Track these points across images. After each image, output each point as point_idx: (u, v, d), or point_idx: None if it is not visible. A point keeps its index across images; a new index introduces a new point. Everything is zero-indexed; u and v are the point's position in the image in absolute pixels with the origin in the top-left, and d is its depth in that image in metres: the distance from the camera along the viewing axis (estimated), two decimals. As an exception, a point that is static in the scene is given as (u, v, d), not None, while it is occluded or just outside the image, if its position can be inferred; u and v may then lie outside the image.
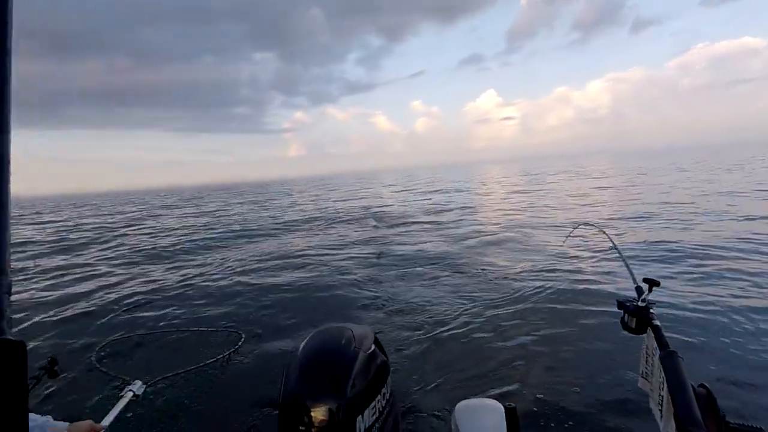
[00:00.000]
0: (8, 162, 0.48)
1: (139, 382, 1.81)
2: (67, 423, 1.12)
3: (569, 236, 3.67)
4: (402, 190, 29.17)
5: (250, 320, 4.69)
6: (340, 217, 14.51)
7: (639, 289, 1.40)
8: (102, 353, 3.76)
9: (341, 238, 10.18)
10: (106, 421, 1.50)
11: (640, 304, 1.25)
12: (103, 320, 5.11)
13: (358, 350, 1.37)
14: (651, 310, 1.22)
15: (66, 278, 7.85)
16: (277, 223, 14.21)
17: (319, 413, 1.20)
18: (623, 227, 8.83)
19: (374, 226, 11.78)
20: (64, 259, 9.95)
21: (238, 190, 62.06)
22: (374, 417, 1.35)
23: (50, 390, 3.32)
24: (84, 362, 3.71)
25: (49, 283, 7.55)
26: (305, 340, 1.44)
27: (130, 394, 1.73)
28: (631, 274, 1.56)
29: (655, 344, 1.14)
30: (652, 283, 1.26)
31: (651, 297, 1.28)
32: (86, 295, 6.42)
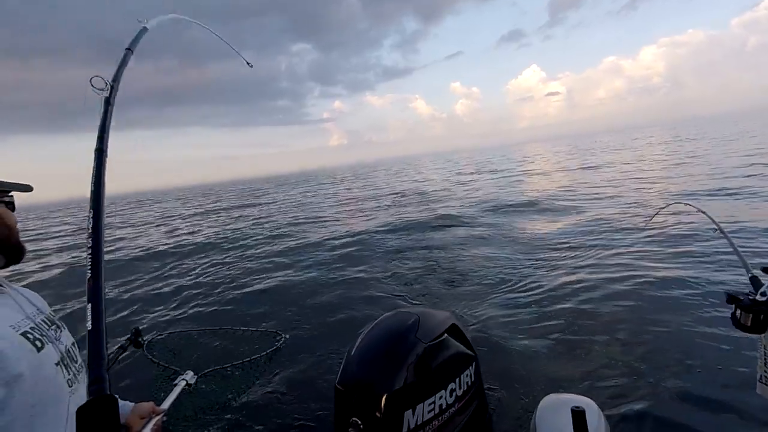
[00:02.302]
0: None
1: (191, 373, 1.76)
2: (132, 403, 1.19)
3: (657, 214, 3.24)
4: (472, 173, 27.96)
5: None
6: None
7: (755, 280, 1.17)
8: (152, 346, 3.83)
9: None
10: (165, 405, 1.47)
11: (759, 298, 1.02)
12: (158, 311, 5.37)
13: (418, 340, 1.26)
14: None
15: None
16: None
17: (367, 401, 1.14)
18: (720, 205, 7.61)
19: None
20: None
21: (293, 180, 63.83)
22: (431, 414, 1.20)
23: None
24: (136, 351, 3.82)
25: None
26: (372, 324, 1.37)
27: (183, 383, 1.68)
28: (743, 261, 1.33)
29: None
30: None
31: None
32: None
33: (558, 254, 5.97)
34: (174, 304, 5.80)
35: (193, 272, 7.65)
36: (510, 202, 10.71)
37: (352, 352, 1.27)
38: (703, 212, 1.87)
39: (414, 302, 4.65)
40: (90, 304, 0.65)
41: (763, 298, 1.01)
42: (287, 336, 3.84)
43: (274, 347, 3.61)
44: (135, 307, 5.97)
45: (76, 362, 1.10)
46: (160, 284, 7.17)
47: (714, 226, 1.67)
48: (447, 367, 1.29)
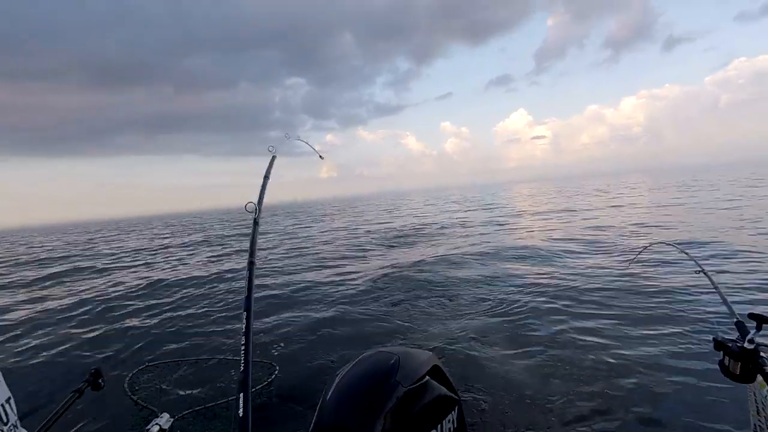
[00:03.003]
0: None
1: (166, 416, 1.62)
2: None
3: (638, 256, 3.30)
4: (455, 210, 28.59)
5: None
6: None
7: (741, 326, 1.15)
8: (135, 378, 3.67)
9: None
10: None
11: (747, 345, 1.00)
12: (146, 340, 5.15)
13: (397, 384, 1.16)
14: (762, 354, 0.99)
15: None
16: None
17: None
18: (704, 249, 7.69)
19: None
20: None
21: (283, 211, 63.67)
22: None
23: (78, 410, 3.25)
24: (117, 386, 3.63)
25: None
26: (350, 365, 1.29)
27: (156, 428, 1.54)
28: (728, 305, 1.35)
29: (767, 393, 0.97)
30: (762, 320, 1.01)
31: (760, 337, 1.02)
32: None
33: (543, 290, 6.00)
34: (166, 332, 5.63)
35: (191, 300, 7.49)
36: (503, 246, 10.84)
37: (328, 397, 1.18)
38: (686, 253, 1.86)
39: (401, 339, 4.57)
40: (241, 394, 0.79)
41: (751, 346, 1.00)
42: (278, 369, 3.74)
43: (264, 383, 3.48)
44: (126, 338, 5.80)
45: (6, 423, 0.99)
46: (151, 312, 6.99)
47: (697, 268, 1.66)
48: (428, 412, 1.21)
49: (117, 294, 8.41)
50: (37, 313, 7.26)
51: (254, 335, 3.82)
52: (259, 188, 1.33)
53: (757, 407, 1.06)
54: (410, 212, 27.99)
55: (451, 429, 1.27)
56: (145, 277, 10.04)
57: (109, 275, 11.05)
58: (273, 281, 8.32)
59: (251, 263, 1.07)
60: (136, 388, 3.49)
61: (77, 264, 14.02)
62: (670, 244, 2.33)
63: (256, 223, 1.16)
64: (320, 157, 1.96)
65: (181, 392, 3.51)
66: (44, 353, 5.03)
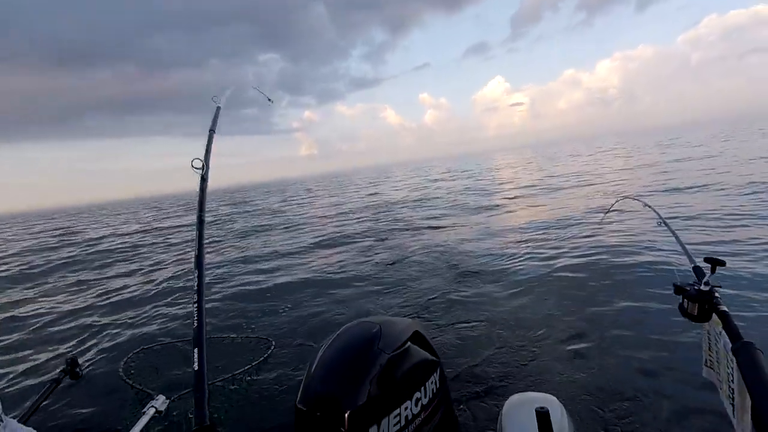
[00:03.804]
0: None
1: (162, 397, 1.66)
2: None
3: (609, 211, 3.46)
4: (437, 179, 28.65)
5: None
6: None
7: (698, 270, 1.23)
8: (132, 363, 3.64)
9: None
10: None
11: (702, 287, 1.07)
12: (140, 324, 5.06)
13: (380, 351, 1.22)
14: (716, 295, 1.06)
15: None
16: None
17: (329, 420, 1.10)
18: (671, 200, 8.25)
19: None
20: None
21: (267, 189, 62.29)
22: (397, 427, 1.18)
23: (72, 398, 3.29)
24: (112, 370, 3.61)
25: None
26: (333, 336, 1.32)
27: (152, 410, 1.59)
28: (686, 252, 1.40)
29: (720, 330, 1.02)
30: (716, 263, 1.08)
31: (714, 279, 1.10)
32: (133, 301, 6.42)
33: (517, 249, 6.24)
34: (161, 311, 5.57)
35: (177, 278, 7.42)
36: (484, 204, 11.08)
37: (313, 368, 1.22)
38: (650, 206, 1.93)
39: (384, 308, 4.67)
40: (195, 349, 0.78)
41: (707, 288, 1.07)
42: (274, 344, 3.77)
43: (261, 358, 3.50)
44: (117, 316, 5.71)
45: None
46: (144, 289, 6.91)
47: (659, 220, 1.74)
48: (411, 375, 1.27)
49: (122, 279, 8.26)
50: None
51: (249, 311, 3.80)
52: (206, 146, 1.32)
53: (709, 343, 1.13)
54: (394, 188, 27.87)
55: (434, 389, 1.33)
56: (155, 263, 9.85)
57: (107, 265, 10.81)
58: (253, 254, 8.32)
59: (200, 221, 1.08)
60: (132, 372, 3.47)
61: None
62: (635, 199, 2.44)
63: (203, 179, 1.16)
64: (269, 100, 2.01)
65: (179, 373, 3.49)
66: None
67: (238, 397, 3.08)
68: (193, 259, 0.97)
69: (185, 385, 3.12)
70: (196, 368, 0.75)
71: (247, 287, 6.29)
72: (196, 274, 0.91)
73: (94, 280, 8.65)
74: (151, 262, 9.83)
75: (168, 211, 31.05)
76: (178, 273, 8.06)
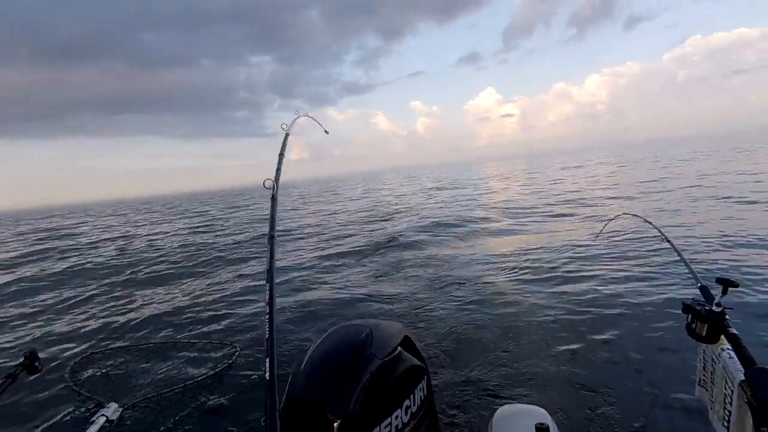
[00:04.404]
0: None
1: (114, 405, 1.52)
2: None
3: (605, 227, 3.31)
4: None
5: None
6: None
7: (705, 290, 1.20)
8: (78, 368, 3.34)
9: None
10: None
11: (714, 308, 1.03)
12: (89, 328, 4.66)
13: (372, 356, 1.16)
14: (726, 317, 1.03)
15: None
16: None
17: (315, 428, 1.03)
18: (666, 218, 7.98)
19: None
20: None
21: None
22: None
23: (16, 405, 2.97)
24: (57, 377, 3.30)
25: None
26: (319, 340, 1.23)
27: (103, 419, 1.44)
28: (692, 271, 1.36)
29: (719, 352, 1.01)
30: (728, 284, 1.03)
31: (725, 301, 1.04)
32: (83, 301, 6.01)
33: (511, 263, 6.03)
34: (116, 316, 5.18)
35: (140, 284, 7.03)
36: (471, 218, 10.88)
37: (298, 373, 1.15)
38: (651, 223, 1.89)
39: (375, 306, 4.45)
40: (267, 359, 0.81)
41: (719, 309, 1.03)
42: (239, 348, 3.52)
43: (225, 364, 3.26)
44: (66, 317, 5.34)
45: None
46: (98, 293, 6.50)
47: (661, 236, 1.70)
48: (402, 383, 1.20)
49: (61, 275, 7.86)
50: None
51: (217, 318, 3.46)
52: (275, 172, 1.38)
53: (704, 363, 1.13)
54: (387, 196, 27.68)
55: (422, 396, 1.27)
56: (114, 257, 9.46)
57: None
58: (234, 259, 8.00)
59: (272, 237, 1.11)
60: (80, 378, 3.18)
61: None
62: (635, 215, 2.41)
63: (274, 198, 1.20)
64: (325, 131, 2.06)
65: (134, 380, 3.21)
66: None
67: (198, 407, 2.81)
68: (265, 274, 0.99)
69: (140, 392, 2.87)
70: (268, 378, 0.77)
71: (217, 291, 5.99)
72: (267, 287, 0.95)
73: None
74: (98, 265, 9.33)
75: (149, 216, 30.27)
76: (128, 278, 7.65)
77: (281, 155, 1.49)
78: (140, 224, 20.97)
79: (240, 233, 12.39)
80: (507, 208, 12.11)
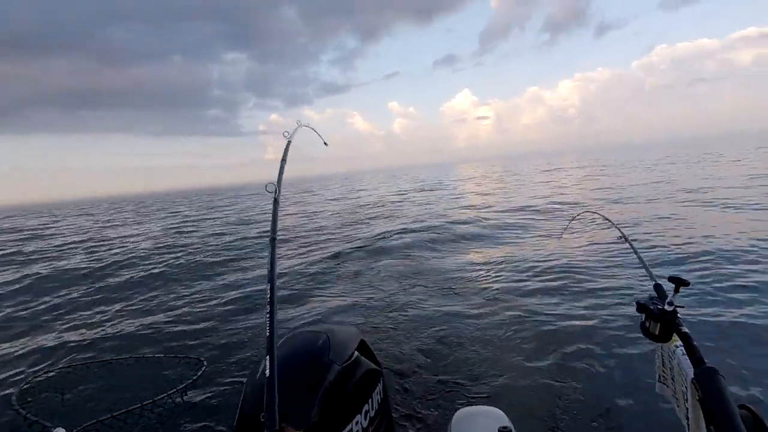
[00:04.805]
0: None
1: (61, 430, 1.46)
2: None
3: (569, 225, 3.43)
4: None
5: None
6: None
7: (659, 288, 1.20)
8: (27, 390, 3.11)
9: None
10: None
11: (666, 307, 1.04)
12: (43, 345, 4.33)
13: (332, 362, 1.15)
14: (678, 315, 1.04)
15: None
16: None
17: None
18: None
19: None
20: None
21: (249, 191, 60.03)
22: None
23: None
24: (2, 400, 3.07)
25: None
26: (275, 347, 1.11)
27: None
28: (648, 270, 1.35)
29: (674, 348, 1.04)
30: (680, 283, 1.04)
31: (677, 299, 1.06)
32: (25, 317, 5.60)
33: (475, 258, 6.21)
34: (72, 331, 4.85)
35: (92, 291, 6.69)
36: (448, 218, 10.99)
37: (254, 383, 1.12)
38: (610, 221, 1.91)
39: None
40: (267, 356, 0.82)
41: (671, 308, 1.04)
42: (206, 363, 3.37)
43: (190, 380, 3.10)
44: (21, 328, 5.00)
45: None
46: (47, 304, 6.12)
47: (620, 235, 1.72)
48: (361, 387, 1.20)
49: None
50: None
51: (183, 330, 3.29)
52: (278, 176, 1.42)
53: (662, 360, 1.15)
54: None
55: (379, 400, 1.27)
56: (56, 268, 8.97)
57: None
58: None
59: (273, 239, 1.12)
60: (28, 399, 2.96)
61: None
62: (596, 213, 2.47)
63: (276, 202, 1.22)
64: (325, 143, 2.07)
65: (89, 402, 3.01)
66: None
67: (157, 428, 2.66)
68: (267, 274, 1.01)
69: (91, 415, 2.69)
70: (268, 374, 0.78)
71: (184, 301, 5.73)
72: (268, 287, 0.98)
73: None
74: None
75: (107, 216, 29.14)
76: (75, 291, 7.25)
77: (283, 161, 1.55)
78: (107, 226, 20.16)
79: (213, 241, 12.03)
80: (480, 212, 12.27)
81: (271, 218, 1.19)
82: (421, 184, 31.67)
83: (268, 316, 0.91)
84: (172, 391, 2.95)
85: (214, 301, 5.51)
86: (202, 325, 4.57)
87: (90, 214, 33.00)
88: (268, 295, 0.95)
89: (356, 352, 1.27)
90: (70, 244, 13.66)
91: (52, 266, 9.40)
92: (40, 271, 8.83)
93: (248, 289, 5.95)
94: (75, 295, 6.60)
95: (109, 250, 11.39)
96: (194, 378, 3.15)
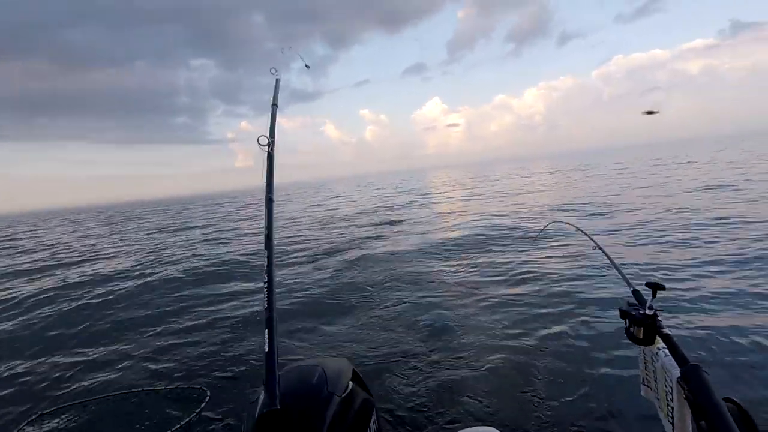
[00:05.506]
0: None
1: None
2: None
3: (540, 234, 3.54)
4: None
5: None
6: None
7: (638, 294, 1.26)
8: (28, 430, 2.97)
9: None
10: None
11: (647, 311, 1.10)
12: (35, 383, 4.02)
13: (332, 394, 1.14)
14: (659, 318, 1.09)
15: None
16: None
17: None
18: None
19: None
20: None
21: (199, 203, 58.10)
22: None
23: None
24: None
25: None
26: None
27: None
28: (623, 276, 1.42)
29: (656, 351, 1.07)
30: (657, 287, 1.11)
31: (656, 303, 1.12)
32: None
33: (445, 268, 6.27)
34: (66, 368, 4.37)
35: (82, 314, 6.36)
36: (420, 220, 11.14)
37: (254, 423, 1.04)
38: (583, 231, 1.94)
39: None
40: (267, 330, 0.79)
41: (651, 312, 1.09)
42: (209, 392, 3.31)
43: (194, 413, 3.03)
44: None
45: None
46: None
47: (592, 243, 1.75)
48: (359, 418, 1.19)
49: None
50: None
51: (181, 358, 3.20)
52: (269, 119, 1.28)
53: (645, 363, 1.18)
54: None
55: (376, 430, 1.27)
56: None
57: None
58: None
59: (269, 200, 1.05)
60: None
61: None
62: (567, 223, 2.45)
63: (270, 156, 1.11)
64: (306, 66, 1.93)
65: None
66: None
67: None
68: (263, 240, 0.94)
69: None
70: (267, 350, 0.76)
71: (175, 326, 5.44)
72: (266, 254, 0.91)
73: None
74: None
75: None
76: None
77: (274, 105, 1.39)
78: (71, 240, 19.16)
79: (185, 255, 11.67)
80: (454, 217, 12.53)
81: (265, 177, 1.10)
82: (399, 190, 31.76)
83: (266, 287, 0.87)
84: (176, 428, 2.88)
85: (205, 321, 5.35)
86: (199, 351, 4.39)
87: (47, 229, 31.19)
88: (266, 264, 0.91)
89: (351, 383, 1.28)
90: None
91: None
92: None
93: (243, 311, 5.74)
94: (53, 320, 6.25)
95: (80, 270, 10.86)
96: (197, 410, 3.08)
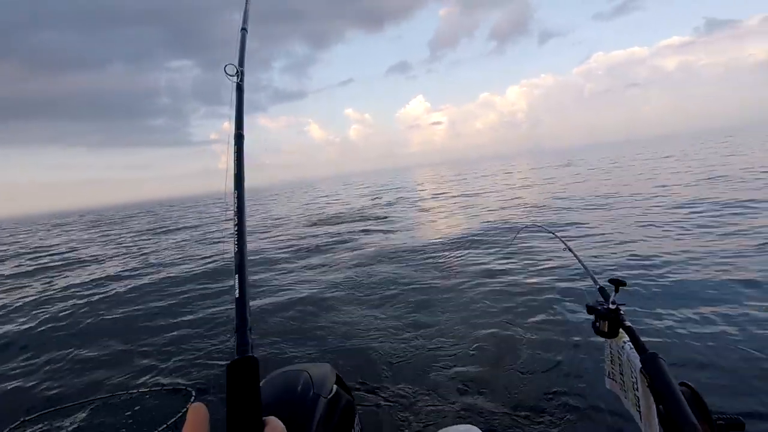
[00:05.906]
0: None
1: None
2: None
3: (514, 239, 3.62)
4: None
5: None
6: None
7: (603, 291, 1.32)
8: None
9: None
10: None
11: (611, 306, 1.18)
12: (18, 390, 3.98)
13: (318, 396, 1.18)
14: (621, 312, 1.17)
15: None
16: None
17: None
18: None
19: None
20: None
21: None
22: None
23: None
24: None
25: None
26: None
27: None
28: (590, 274, 1.49)
29: (622, 344, 1.13)
30: (618, 283, 1.19)
31: (618, 298, 1.20)
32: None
33: (422, 271, 6.28)
34: (49, 373, 4.33)
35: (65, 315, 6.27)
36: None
37: None
38: (554, 234, 1.99)
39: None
40: (237, 275, 0.74)
41: (614, 306, 1.18)
42: (194, 392, 3.35)
43: (179, 413, 3.07)
44: None
45: None
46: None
47: (563, 246, 1.81)
48: (343, 419, 1.25)
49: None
50: None
51: (165, 358, 3.21)
52: (238, 43, 1.17)
53: (611, 357, 1.23)
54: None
55: (360, 430, 1.32)
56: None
57: None
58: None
59: (239, 136, 0.97)
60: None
61: None
62: (540, 226, 2.64)
63: (240, 88, 1.02)
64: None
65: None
66: None
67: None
68: (232, 180, 0.89)
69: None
70: (237, 296, 0.73)
71: (158, 326, 5.46)
72: (235, 195, 0.86)
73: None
74: None
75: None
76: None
77: (243, 30, 1.23)
78: (53, 244, 18.70)
79: (167, 258, 11.55)
80: (433, 215, 12.67)
81: (234, 110, 1.01)
82: (384, 189, 31.69)
83: (236, 230, 0.83)
84: (162, 428, 2.91)
85: (186, 318, 5.33)
86: (184, 351, 4.37)
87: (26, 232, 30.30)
88: (235, 205, 0.87)
89: (336, 386, 1.32)
90: None
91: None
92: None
93: (223, 307, 5.78)
94: (36, 324, 6.15)
95: (62, 273, 10.65)
96: (184, 411, 3.11)
